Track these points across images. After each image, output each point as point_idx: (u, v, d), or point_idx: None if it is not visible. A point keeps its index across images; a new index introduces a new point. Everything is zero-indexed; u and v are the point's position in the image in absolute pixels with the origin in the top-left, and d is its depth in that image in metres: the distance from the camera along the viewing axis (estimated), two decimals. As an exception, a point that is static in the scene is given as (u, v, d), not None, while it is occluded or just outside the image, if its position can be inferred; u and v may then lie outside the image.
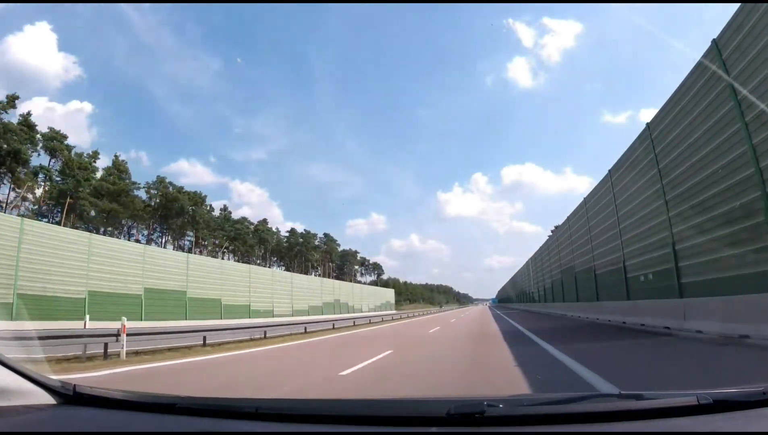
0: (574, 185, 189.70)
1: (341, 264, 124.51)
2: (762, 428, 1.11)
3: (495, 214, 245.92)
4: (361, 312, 40.56)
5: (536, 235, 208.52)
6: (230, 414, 1.45)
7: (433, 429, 1.20)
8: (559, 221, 29.43)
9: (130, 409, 1.48)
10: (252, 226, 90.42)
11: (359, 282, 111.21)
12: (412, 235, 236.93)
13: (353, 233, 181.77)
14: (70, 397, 1.49)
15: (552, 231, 38.63)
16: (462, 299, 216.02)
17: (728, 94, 8.14)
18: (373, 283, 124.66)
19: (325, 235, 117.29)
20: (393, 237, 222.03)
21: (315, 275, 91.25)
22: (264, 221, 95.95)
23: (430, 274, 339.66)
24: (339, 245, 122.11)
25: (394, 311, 51.26)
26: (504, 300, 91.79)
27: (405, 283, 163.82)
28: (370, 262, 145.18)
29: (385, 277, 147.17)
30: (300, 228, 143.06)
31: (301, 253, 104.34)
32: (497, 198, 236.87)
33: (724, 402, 1.17)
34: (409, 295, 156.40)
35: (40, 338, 7.84)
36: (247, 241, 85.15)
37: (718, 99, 8.54)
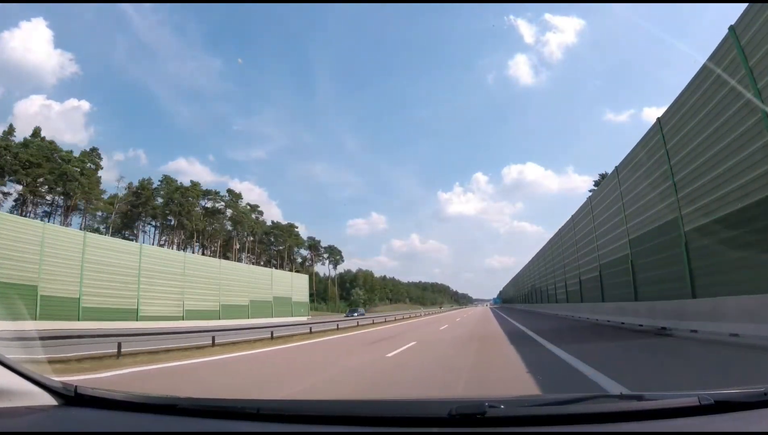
0: (576, 185, 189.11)
1: (270, 243, 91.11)
2: (763, 428, 1.12)
3: (496, 214, 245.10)
4: (145, 321, 20.28)
5: (537, 235, 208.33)
6: (232, 415, 1.45)
7: (435, 429, 1.22)
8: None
9: (131, 410, 1.49)
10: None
11: (317, 273, 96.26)
12: (412, 235, 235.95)
13: (354, 233, 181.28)
14: (71, 398, 1.49)
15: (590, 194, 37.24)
16: (461, 299, 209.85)
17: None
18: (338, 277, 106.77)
19: (230, 192, 79.54)
20: (393, 237, 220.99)
21: (248, 262, 72.60)
22: (95, 152, 59.42)
23: (431, 274, 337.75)
24: (261, 214, 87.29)
25: (302, 319, 29.32)
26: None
27: (384, 277, 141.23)
28: (322, 244, 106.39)
29: (354, 268, 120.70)
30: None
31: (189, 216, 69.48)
32: (498, 198, 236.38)
33: (726, 402, 1.18)
34: (388, 293, 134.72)
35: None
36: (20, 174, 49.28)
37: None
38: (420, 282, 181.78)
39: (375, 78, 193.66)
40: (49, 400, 1.45)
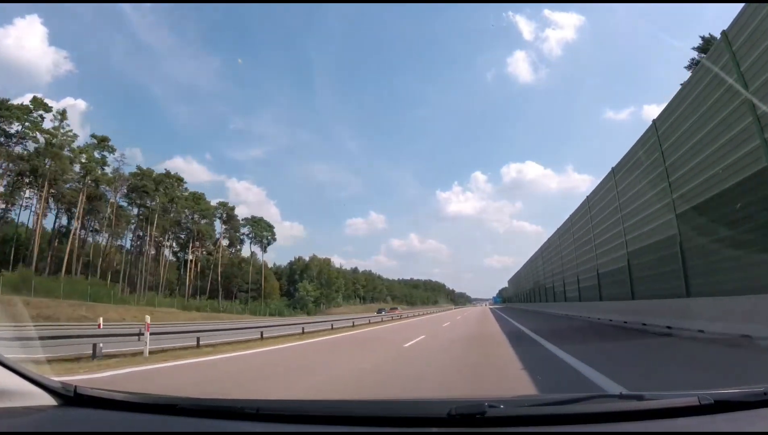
0: (576, 184, 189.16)
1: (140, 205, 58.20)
2: (763, 429, 1.12)
3: (495, 214, 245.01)
4: None
5: (537, 234, 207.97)
6: (231, 415, 1.45)
7: (434, 429, 1.22)
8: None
9: (131, 410, 1.48)
10: None
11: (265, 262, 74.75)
12: (411, 235, 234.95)
13: (352, 233, 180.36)
14: (70, 398, 1.48)
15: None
16: (458, 299, 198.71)
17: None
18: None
19: (37, 102, 47.59)
20: (392, 236, 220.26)
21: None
22: None
23: (431, 273, 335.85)
24: (112, 150, 55.15)
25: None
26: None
27: (355, 269, 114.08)
28: (238, 216, 75.87)
29: (306, 256, 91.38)
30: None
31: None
32: (497, 197, 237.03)
33: (725, 402, 1.18)
34: (359, 290, 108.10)
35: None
36: None
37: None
38: (411, 279, 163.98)
39: (373, 77, 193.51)
40: (48, 400, 1.46)
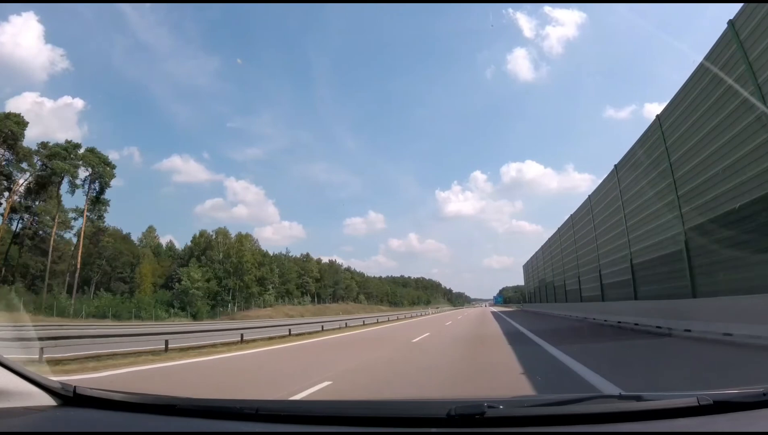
0: (576, 183, 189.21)
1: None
2: (762, 429, 1.13)
3: (494, 213, 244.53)
4: None
5: (536, 234, 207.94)
6: (230, 415, 1.45)
7: (434, 430, 1.22)
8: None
9: (130, 411, 1.48)
10: None
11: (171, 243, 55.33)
12: (410, 235, 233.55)
13: (351, 232, 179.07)
14: (70, 398, 1.48)
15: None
16: (455, 299, 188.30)
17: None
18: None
19: None
20: (391, 236, 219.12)
21: None
22: None
23: (430, 273, 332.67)
24: None
25: None
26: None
27: (307, 256, 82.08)
28: (50, 142, 44.07)
29: (234, 224, 73.40)
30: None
31: None
32: (497, 196, 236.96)
33: (725, 403, 1.18)
34: (302, 283, 75.24)
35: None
36: None
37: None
38: (401, 277, 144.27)
39: (373, 76, 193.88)
40: (48, 400, 1.45)
